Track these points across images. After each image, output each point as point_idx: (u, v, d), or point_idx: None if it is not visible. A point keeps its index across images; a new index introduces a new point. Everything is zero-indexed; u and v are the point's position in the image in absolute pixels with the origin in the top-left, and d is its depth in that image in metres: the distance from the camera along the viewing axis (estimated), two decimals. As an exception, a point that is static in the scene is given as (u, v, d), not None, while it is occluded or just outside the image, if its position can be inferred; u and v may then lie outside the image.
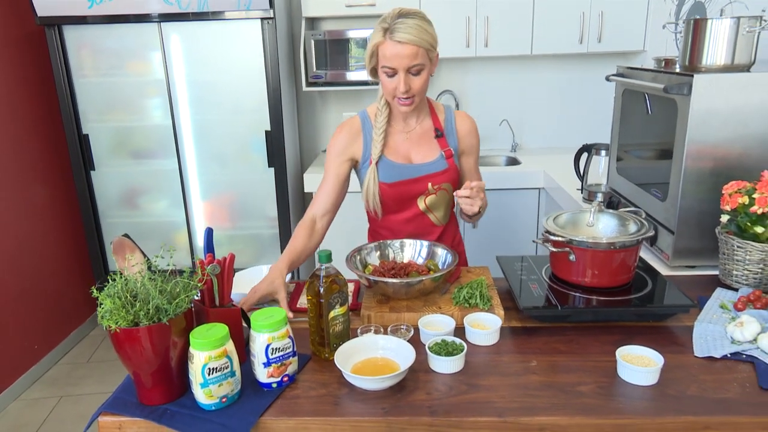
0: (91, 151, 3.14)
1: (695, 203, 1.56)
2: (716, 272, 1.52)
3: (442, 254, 1.49)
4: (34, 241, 3.06)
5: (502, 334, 1.24)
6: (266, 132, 3.08)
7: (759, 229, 1.37)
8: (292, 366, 1.09)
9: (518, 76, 3.49)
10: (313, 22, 3.40)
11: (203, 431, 0.97)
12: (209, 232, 1.26)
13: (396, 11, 1.46)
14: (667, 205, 1.63)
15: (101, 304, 0.99)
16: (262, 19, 2.88)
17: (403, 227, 1.67)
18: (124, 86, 3.05)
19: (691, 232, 1.58)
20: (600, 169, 2.29)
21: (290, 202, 3.24)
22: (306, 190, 3.18)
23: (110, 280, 1.01)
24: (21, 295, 2.95)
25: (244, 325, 1.17)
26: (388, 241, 1.56)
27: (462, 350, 1.12)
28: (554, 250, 1.35)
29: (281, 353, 1.06)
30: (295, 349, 1.09)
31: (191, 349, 1.00)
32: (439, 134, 1.63)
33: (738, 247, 1.40)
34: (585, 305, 1.30)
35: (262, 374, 1.06)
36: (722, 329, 1.22)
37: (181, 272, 1.06)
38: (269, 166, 3.14)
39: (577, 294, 1.33)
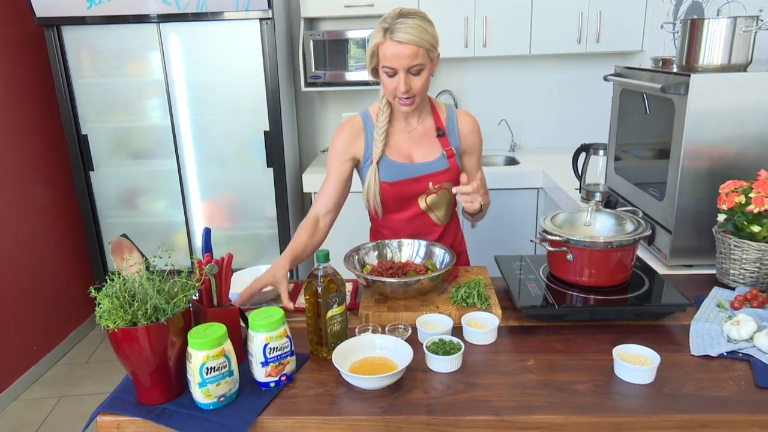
0: (90, 151, 3.15)
1: (692, 203, 1.56)
2: (713, 271, 1.53)
3: (440, 254, 1.49)
4: (33, 242, 3.06)
5: (499, 334, 1.25)
6: (265, 132, 3.08)
7: (755, 228, 1.38)
8: (290, 365, 1.10)
9: (517, 76, 3.49)
10: (311, 22, 3.40)
11: (201, 430, 0.98)
12: (207, 232, 1.26)
13: (396, 11, 1.46)
14: (664, 204, 1.63)
15: (99, 303, 0.99)
16: (261, 19, 2.89)
17: (404, 227, 1.68)
18: (123, 87, 3.06)
19: (689, 232, 1.58)
20: (598, 168, 2.29)
21: (289, 202, 3.24)
22: (305, 191, 3.19)
23: (108, 280, 1.02)
24: (20, 295, 2.95)
25: (242, 324, 1.17)
26: (386, 241, 1.57)
27: (459, 349, 1.12)
28: (551, 249, 1.36)
29: (279, 352, 1.06)
30: (292, 349, 1.10)
31: (189, 349, 1.00)
32: (441, 133, 1.63)
33: (735, 246, 1.41)
34: (582, 304, 1.30)
35: (260, 373, 1.06)
36: (719, 328, 1.22)
37: (179, 272, 1.07)
38: (268, 166, 3.14)
39: (575, 293, 1.34)
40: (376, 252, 1.54)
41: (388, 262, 1.50)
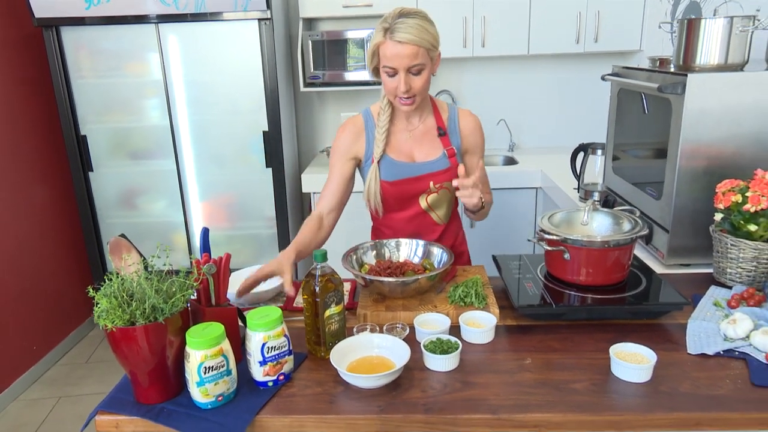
0: (89, 151, 3.15)
1: (689, 202, 1.57)
2: (710, 270, 1.53)
3: (438, 253, 1.49)
4: (33, 242, 3.06)
5: (497, 333, 1.25)
6: (264, 132, 3.08)
7: (752, 227, 1.38)
8: (288, 364, 1.10)
9: (515, 76, 3.49)
10: (310, 22, 3.40)
11: (199, 430, 0.98)
12: (205, 232, 1.27)
13: (397, 11, 1.46)
14: (661, 203, 1.64)
15: (97, 303, 1.00)
16: (260, 19, 2.89)
17: (405, 226, 1.68)
18: (122, 87, 3.06)
19: (686, 231, 1.59)
20: (596, 168, 2.30)
21: (288, 202, 3.24)
22: (304, 191, 3.19)
23: (107, 280, 1.02)
24: (20, 295, 2.95)
25: (240, 323, 1.18)
26: (384, 241, 1.57)
27: (457, 348, 1.13)
28: (549, 248, 1.36)
29: (277, 352, 1.07)
30: (290, 348, 1.10)
31: (187, 348, 1.00)
32: (442, 133, 1.64)
33: (731, 245, 1.41)
34: (579, 303, 1.30)
35: (258, 373, 1.07)
36: (715, 326, 1.22)
37: (177, 272, 1.07)
38: (267, 166, 3.14)
39: (572, 292, 1.34)
40: (374, 251, 1.54)
41: (386, 261, 1.50)
